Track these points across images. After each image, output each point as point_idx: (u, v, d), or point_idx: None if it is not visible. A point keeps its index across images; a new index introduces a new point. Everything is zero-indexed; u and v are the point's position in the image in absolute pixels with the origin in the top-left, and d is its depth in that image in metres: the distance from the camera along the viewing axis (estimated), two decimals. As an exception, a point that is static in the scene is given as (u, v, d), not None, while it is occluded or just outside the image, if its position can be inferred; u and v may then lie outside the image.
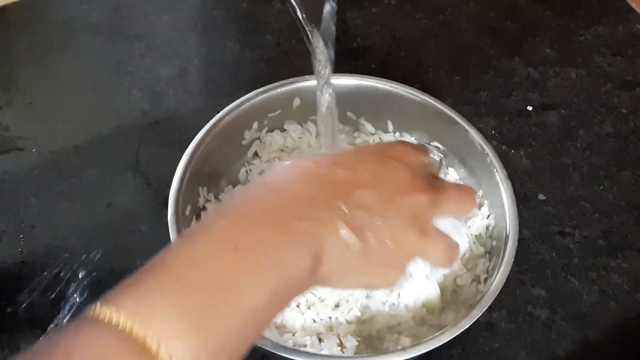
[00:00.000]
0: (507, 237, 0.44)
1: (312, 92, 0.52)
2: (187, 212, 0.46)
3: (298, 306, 0.44)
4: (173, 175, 0.45)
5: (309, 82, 0.52)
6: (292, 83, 0.52)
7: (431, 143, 0.41)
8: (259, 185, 0.33)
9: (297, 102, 0.52)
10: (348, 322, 0.44)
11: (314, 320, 0.44)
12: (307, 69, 0.53)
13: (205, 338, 0.26)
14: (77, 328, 0.26)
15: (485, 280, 0.44)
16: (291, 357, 0.38)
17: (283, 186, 0.32)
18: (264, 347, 0.38)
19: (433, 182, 0.34)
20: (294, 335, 0.43)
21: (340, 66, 0.63)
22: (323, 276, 0.31)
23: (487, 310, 0.48)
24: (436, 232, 0.34)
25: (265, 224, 0.30)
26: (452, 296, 0.45)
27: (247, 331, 0.28)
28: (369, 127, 0.54)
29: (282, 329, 0.43)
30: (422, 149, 0.37)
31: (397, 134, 0.53)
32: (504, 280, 0.41)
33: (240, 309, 0.28)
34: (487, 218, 0.48)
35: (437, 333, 0.39)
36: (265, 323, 0.30)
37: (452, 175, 0.51)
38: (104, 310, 0.26)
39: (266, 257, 0.29)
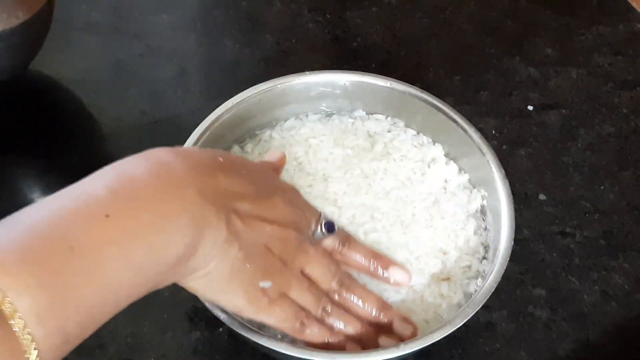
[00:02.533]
0: (502, 235, 0.44)
1: (309, 88, 0.52)
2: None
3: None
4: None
5: (307, 79, 0.52)
6: (290, 80, 0.51)
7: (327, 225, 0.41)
8: (150, 161, 0.32)
9: (295, 99, 0.52)
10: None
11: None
12: (306, 68, 0.53)
13: (55, 299, 0.25)
14: None
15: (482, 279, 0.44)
16: (290, 354, 0.38)
17: (174, 170, 0.32)
18: (259, 342, 0.38)
19: (307, 239, 0.39)
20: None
21: (341, 66, 0.63)
22: (191, 269, 0.32)
23: (487, 310, 0.48)
24: (291, 276, 0.38)
25: (147, 199, 0.30)
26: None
27: (102, 303, 0.28)
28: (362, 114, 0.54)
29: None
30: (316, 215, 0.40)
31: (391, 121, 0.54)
32: (499, 279, 0.41)
33: (98, 278, 0.27)
34: (484, 218, 0.48)
35: (431, 330, 0.39)
36: (125, 301, 0.29)
37: (452, 173, 0.51)
38: None
39: (137, 232, 0.29)
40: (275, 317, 0.37)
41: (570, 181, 0.57)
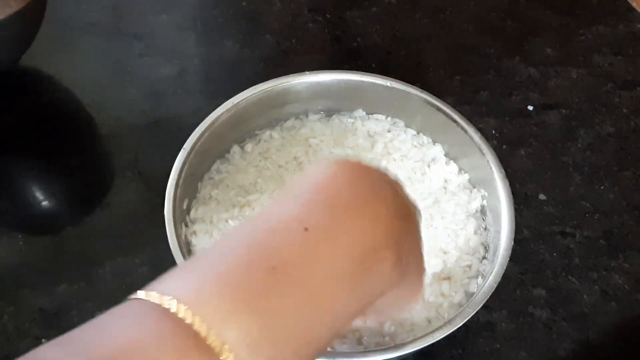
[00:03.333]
0: (502, 235, 0.44)
1: (309, 88, 0.52)
2: (185, 206, 0.46)
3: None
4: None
5: (307, 79, 0.52)
6: (290, 80, 0.51)
7: None
8: (337, 166, 0.28)
9: (295, 99, 0.52)
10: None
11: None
12: (306, 68, 0.53)
13: (265, 325, 0.22)
14: (119, 312, 0.23)
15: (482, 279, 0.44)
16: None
17: (368, 175, 0.28)
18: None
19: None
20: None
21: (341, 66, 0.63)
22: (402, 268, 0.28)
23: (487, 310, 0.48)
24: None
25: (347, 205, 0.26)
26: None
27: (318, 325, 0.24)
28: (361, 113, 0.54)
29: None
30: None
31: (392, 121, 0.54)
32: (499, 279, 0.41)
33: (307, 297, 0.23)
34: (484, 218, 0.48)
35: (431, 330, 0.39)
36: (342, 321, 0.25)
37: (452, 172, 0.51)
38: (146, 295, 0.23)
39: (342, 242, 0.25)
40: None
41: (570, 181, 0.57)
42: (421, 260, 0.31)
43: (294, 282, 0.23)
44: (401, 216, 0.28)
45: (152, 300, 0.22)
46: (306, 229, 0.24)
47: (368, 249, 0.25)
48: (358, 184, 0.27)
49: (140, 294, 0.23)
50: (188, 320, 0.21)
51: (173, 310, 0.21)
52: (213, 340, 0.21)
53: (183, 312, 0.21)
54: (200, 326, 0.21)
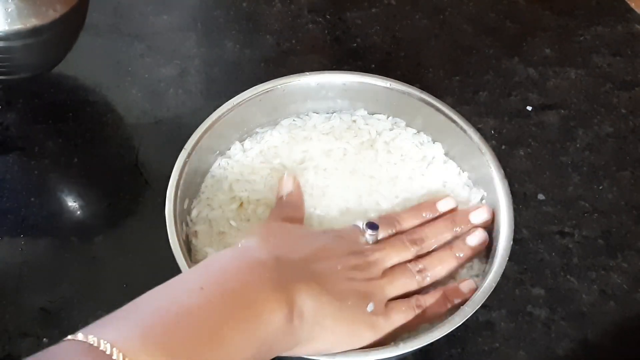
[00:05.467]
0: (501, 235, 0.44)
1: (309, 89, 0.52)
2: (185, 206, 0.46)
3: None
4: (173, 175, 0.46)
5: (307, 79, 0.52)
6: (290, 80, 0.52)
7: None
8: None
9: (295, 99, 0.52)
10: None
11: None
12: (306, 69, 0.53)
13: None
14: (58, 350, 0.29)
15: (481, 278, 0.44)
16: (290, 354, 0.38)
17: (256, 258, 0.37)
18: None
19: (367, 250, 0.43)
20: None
21: (341, 66, 0.64)
22: (303, 323, 0.35)
23: (486, 309, 0.48)
24: (380, 283, 0.41)
25: (225, 274, 0.35)
26: None
27: None
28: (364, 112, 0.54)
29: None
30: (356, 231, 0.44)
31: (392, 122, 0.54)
32: (498, 279, 0.42)
33: (209, 336, 0.31)
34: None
35: (429, 330, 0.39)
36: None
37: (452, 172, 0.51)
38: (86, 337, 0.29)
39: (226, 293, 0.33)
40: (397, 322, 0.40)
41: (569, 181, 0.57)
42: (336, 314, 0.38)
43: (195, 327, 0.30)
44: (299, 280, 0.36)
45: (89, 342, 0.28)
46: (202, 288, 0.32)
47: (254, 299, 0.33)
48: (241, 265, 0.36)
49: (79, 335, 0.29)
50: None
51: (108, 352, 0.28)
52: None
53: (117, 354, 0.28)
54: None
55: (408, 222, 0.46)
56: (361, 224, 0.44)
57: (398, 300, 0.42)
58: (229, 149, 0.51)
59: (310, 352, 0.37)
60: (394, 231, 0.45)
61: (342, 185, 0.49)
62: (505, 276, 0.42)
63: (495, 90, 0.64)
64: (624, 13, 0.72)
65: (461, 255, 0.44)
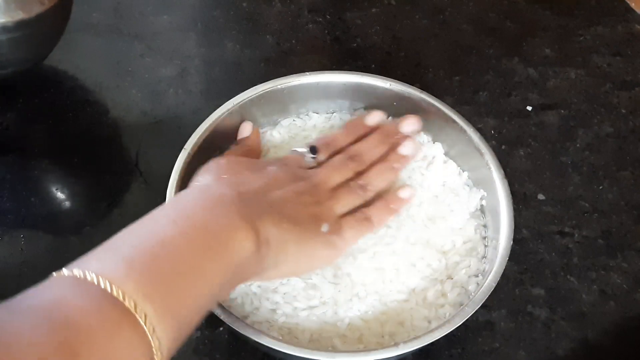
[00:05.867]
0: (501, 235, 0.44)
1: (309, 89, 0.52)
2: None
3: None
4: (173, 175, 0.46)
5: (307, 79, 0.52)
6: (290, 80, 0.52)
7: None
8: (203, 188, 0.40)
9: (295, 99, 0.52)
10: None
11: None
12: (306, 69, 0.53)
13: (170, 305, 0.30)
14: (51, 286, 0.30)
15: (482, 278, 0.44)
16: (291, 353, 0.38)
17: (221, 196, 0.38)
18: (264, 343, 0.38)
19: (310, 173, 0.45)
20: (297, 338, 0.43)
21: (341, 66, 0.64)
22: (269, 250, 0.37)
23: (486, 309, 0.48)
24: (329, 203, 0.44)
25: (194, 209, 0.36)
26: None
27: (195, 292, 0.33)
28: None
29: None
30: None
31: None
32: (498, 279, 0.42)
33: (184, 264, 0.32)
34: (483, 217, 0.49)
35: (429, 330, 0.39)
36: (216, 287, 0.34)
37: (452, 172, 0.51)
38: (71, 272, 0.30)
39: (197, 225, 0.35)
40: (352, 238, 0.44)
41: (569, 181, 0.57)
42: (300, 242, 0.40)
43: (173, 257, 0.32)
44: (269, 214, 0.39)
45: (75, 275, 0.30)
46: (174, 222, 0.34)
47: (224, 230, 0.35)
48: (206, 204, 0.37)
49: (64, 271, 0.30)
50: (116, 294, 0.29)
51: (95, 282, 0.29)
52: (139, 312, 0.29)
53: (104, 283, 0.29)
54: (128, 301, 0.29)
55: (343, 140, 0.48)
56: (300, 149, 0.47)
57: (346, 216, 0.44)
58: (229, 149, 0.51)
59: (275, 276, 0.41)
60: (332, 152, 0.47)
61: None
62: (505, 276, 0.42)
63: (495, 90, 0.64)
64: (624, 13, 0.72)
65: (397, 165, 0.47)
